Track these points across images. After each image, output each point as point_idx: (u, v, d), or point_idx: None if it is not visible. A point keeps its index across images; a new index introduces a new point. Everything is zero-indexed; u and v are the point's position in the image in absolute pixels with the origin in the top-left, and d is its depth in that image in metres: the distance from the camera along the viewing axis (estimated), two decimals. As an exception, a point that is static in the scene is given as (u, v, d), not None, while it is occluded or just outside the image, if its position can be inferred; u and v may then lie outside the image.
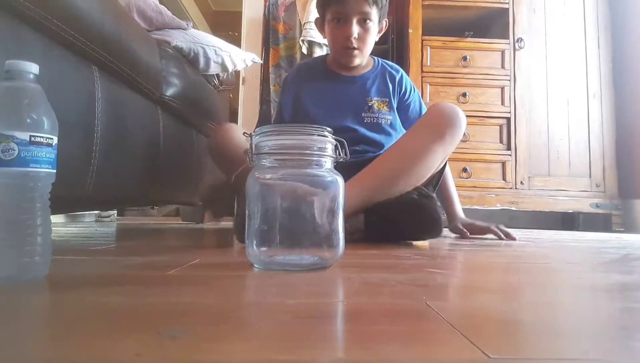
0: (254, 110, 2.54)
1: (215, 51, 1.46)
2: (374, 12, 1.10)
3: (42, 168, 0.44)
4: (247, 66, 1.67)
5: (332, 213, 0.55)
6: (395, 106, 1.20)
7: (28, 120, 0.43)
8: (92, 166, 0.84)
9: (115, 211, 2.33)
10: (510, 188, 2.03)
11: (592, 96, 2.10)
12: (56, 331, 0.29)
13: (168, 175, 1.24)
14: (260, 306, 0.37)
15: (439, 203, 1.03)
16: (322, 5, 1.16)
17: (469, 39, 2.11)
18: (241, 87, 2.65)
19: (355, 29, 1.09)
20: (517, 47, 2.09)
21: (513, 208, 2.00)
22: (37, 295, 0.41)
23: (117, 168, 0.96)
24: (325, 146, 0.56)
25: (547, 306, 0.40)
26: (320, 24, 1.20)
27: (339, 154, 0.58)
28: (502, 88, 2.08)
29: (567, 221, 2.28)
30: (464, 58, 2.07)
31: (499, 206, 2.01)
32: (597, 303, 0.42)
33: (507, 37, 2.10)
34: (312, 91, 1.20)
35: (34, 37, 0.71)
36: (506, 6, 2.11)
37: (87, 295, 0.40)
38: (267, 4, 2.50)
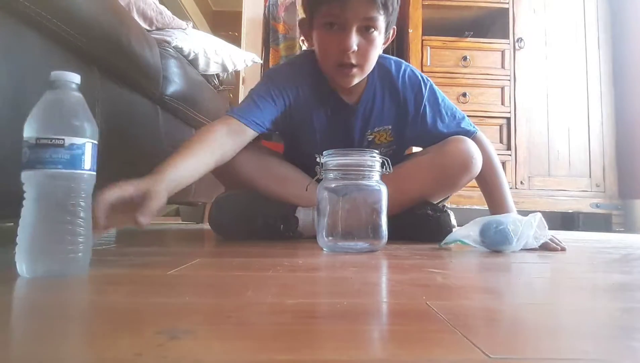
0: (254, 110, 2.53)
1: (215, 51, 1.46)
2: (380, 19, 0.85)
3: (85, 170, 0.48)
4: (247, 66, 1.66)
5: (378, 212, 0.74)
6: (402, 127, 1.02)
7: (72, 126, 0.47)
8: (92, 166, 0.84)
9: (115, 211, 2.33)
10: (510, 188, 2.02)
11: (592, 96, 2.10)
12: (56, 331, 0.29)
13: (168, 175, 1.24)
14: (260, 306, 0.37)
15: (451, 214, 0.99)
16: (310, 4, 0.89)
17: (469, 39, 2.11)
18: (241, 87, 2.65)
19: (355, 40, 0.84)
20: (517, 47, 2.09)
21: (513, 208, 2.00)
22: (38, 295, 0.41)
23: (117, 168, 0.96)
24: (374, 164, 0.75)
25: (547, 306, 0.40)
26: (306, 27, 0.93)
27: (386, 169, 0.76)
28: (502, 88, 2.08)
29: (567, 221, 2.28)
30: (464, 58, 2.07)
31: (499, 206, 2.01)
32: (597, 303, 0.42)
33: (507, 37, 2.11)
34: (308, 118, 0.99)
35: (34, 37, 0.71)
36: (506, 6, 2.11)
37: (87, 295, 0.40)
38: (267, 4, 2.50)
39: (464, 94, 2.04)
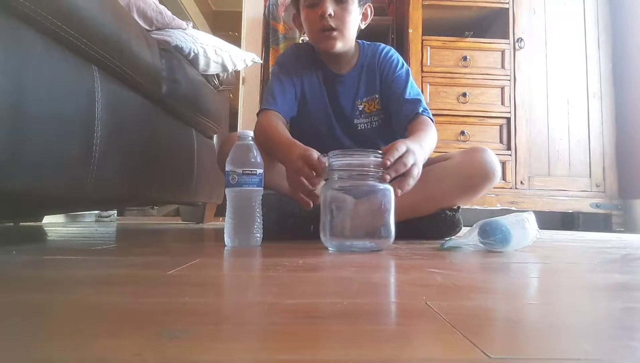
0: (254, 110, 2.51)
1: (215, 51, 1.46)
2: None
3: (261, 187, 0.82)
4: (247, 66, 1.66)
5: (384, 212, 0.75)
6: (383, 93, 1.14)
7: (258, 163, 0.81)
8: (92, 166, 0.84)
9: (115, 211, 2.33)
10: (510, 188, 2.03)
11: (592, 96, 2.10)
12: (56, 331, 0.29)
13: (168, 175, 1.24)
14: (260, 306, 0.37)
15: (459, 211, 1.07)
16: None
17: (469, 39, 2.11)
18: (241, 87, 2.65)
19: (330, 6, 1.02)
20: (517, 47, 2.09)
21: (513, 208, 2.00)
22: (37, 294, 0.41)
23: (117, 168, 0.96)
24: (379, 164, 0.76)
25: (547, 306, 0.40)
26: (297, 19, 1.14)
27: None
28: (502, 88, 2.08)
29: (567, 221, 2.28)
30: (464, 58, 2.07)
31: (499, 206, 2.01)
32: (597, 303, 0.42)
33: (507, 37, 2.10)
34: (310, 90, 1.13)
35: (34, 37, 0.71)
36: (506, 6, 2.11)
37: (87, 295, 0.40)
38: (267, 4, 2.50)
39: (464, 94, 2.04)
